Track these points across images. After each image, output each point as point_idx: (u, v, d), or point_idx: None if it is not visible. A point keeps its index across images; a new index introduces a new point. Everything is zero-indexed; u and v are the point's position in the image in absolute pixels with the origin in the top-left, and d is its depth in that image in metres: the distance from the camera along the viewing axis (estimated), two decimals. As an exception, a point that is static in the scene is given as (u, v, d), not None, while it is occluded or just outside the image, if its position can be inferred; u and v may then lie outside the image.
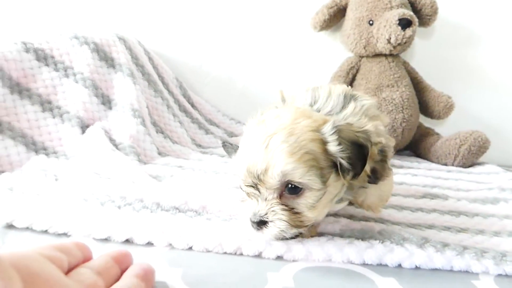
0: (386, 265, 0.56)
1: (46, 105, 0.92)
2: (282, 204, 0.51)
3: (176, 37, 1.40)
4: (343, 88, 0.63)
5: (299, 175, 0.49)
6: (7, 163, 0.82)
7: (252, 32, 1.42)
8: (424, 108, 1.35)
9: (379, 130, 0.59)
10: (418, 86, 1.35)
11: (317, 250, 0.56)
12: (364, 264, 0.56)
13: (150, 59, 1.21)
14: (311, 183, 0.50)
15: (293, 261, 0.55)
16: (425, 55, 1.47)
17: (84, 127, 0.93)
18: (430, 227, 0.69)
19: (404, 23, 1.18)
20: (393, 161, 1.22)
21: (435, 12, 1.30)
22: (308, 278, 0.52)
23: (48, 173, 0.75)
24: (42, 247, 0.42)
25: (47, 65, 0.95)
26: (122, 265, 0.46)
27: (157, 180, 0.78)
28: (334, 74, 1.34)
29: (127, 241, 0.56)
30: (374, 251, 0.57)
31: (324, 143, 0.51)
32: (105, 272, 0.44)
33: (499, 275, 0.57)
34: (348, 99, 0.60)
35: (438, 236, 0.64)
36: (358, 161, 0.52)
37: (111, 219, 0.58)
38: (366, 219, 0.69)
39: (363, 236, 0.60)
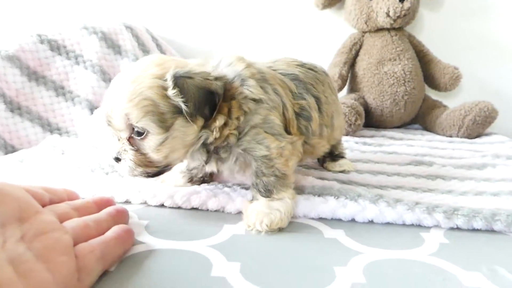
0: (340, 220, 0.61)
1: (60, 90, 1.03)
2: (131, 145, 0.56)
3: (185, 23, 1.47)
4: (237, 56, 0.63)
5: (136, 120, 0.53)
6: (26, 142, 0.94)
7: (259, 13, 1.47)
8: (431, 80, 1.34)
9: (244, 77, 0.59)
10: (424, 59, 1.34)
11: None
12: (320, 218, 0.61)
13: (158, 45, 1.29)
14: (148, 127, 0.54)
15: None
16: (435, 27, 1.45)
17: (93, 109, 1.03)
18: (397, 187, 0.72)
19: (402, -5, 1.18)
20: (396, 133, 1.24)
21: (438, -18, 1.28)
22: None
23: (56, 148, 0.85)
24: (32, 185, 0.48)
25: (60, 54, 1.06)
26: (101, 208, 0.52)
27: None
28: (338, 51, 1.36)
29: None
30: (327, 206, 0.61)
31: (165, 89, 0.54)
32: (82, 208, 0.50)
33: (451, 228, 0.60)
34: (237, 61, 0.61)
35: (398, 195, 0.67)
36: (202, 105, 0.55)
37: (98, 183, 0.67)
38: (333, 179, 0.73)
39: (322, 192, 0.65)
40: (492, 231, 0.59)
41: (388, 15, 1.22)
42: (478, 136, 1.23)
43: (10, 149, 0.91)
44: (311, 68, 0.72)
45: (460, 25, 1.44)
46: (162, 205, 0.63)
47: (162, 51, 1.29)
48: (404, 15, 1.21)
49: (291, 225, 0.58)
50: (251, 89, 0.59)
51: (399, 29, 1.31)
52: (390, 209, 0.60)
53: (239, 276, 0.44)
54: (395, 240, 0.56)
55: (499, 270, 0.48)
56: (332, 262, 0.48)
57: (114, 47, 1.13)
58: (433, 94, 1.42)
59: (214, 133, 0.58)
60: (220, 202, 0.62)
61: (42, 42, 1.04)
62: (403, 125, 1.37)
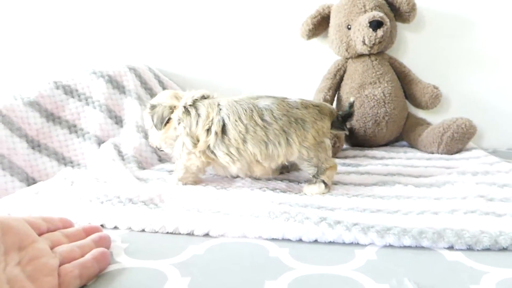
0: (289, 239, 0.72)
1: (72, 128, 1.20)
2: None
3: (185, 56, 1.62)
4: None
5: None
6: (44, 175, 1.11)
7: (253, 44, 1.60)
8: (412, 99, 1.43)
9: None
10: (405, 80, 1.43)
11: (233, 228, 0.73)
12: (272, 239, 0.73)
13: (160, 82, 1.45)
14: None
15: (219, 236, 0.73)
16: (418, 48, 1.53)
17: (100, 143, 1.19)
18: (348, 209, 0.82)
19: (375, 25, 1.27)
20: (379, 152, 1.32)
21: (412, 8, 1.37)
22: (219, 248, 0.69)
23: (67, 180, 1.01)
24: (31, 216, 0.64)
25: (72, 97, 1.23)
26: (89, 234, 0.67)
27: (145, 182, 1.01)
28: (323, 77, 1.46)
29: (101, 225, 0.78)
30: (278, 227, 0.72)
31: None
32: (72, 235, 0.65)
33: (384, 246, 0.69)
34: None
35: (345, 216, 0.77)
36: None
37: (93, 211, 0.81)
38: (295, 203, 0.85)
39: (277, 216, 0.76)
40: (421, 247, 0.69)
41: (364, 43, 1.32)
42: (458, 151, 1.30)
43: (31, 181, 1.08)
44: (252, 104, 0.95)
45: (442, 44, 1.51)
46: (143, 230, 0.77)
47: (164, 87, 1.44)
48: (379, 42, 1.31)
49: (244, 245, 0.70)
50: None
51: (379, 53, 1.40)
52: (331, 229, 0.71)
53: (184, 289, 0.56)
54: (329, 257, 0.66)
55: (404, 281, 0.58)
56: (265, 277, 0.59)
57: (119, 87, 1.29)
58: (420, 112, 1.50)
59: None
60: (190, 226, 0.75)
61: (57, 87, 1.22)
62: (389, 143, 1.45)
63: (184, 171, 0.99)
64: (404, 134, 1.43)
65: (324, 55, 1.54)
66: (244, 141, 0.92)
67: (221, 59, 1.62)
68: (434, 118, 1.49)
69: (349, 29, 1.37)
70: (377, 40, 1.29)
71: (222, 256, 0.67)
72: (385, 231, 0.69)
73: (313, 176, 0.96)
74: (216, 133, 0.93)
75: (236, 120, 0.92)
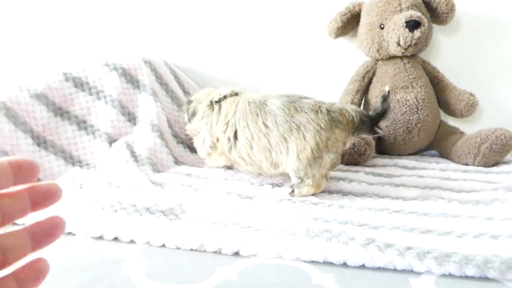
0: (332, 263, 0.63)
1: (82, 124, 1.10)
2: None
3: (202, 52, 1.53)
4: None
5: None
6: (50, 174, 1.01)
7: (275, 42, 1.51)
8: (446, 107, 1.33)
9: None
10: (439, 85, 1.33)
11: (267, 247, 0.64)
12: (312, 261, 0.63)
13: (176, 77, 1.35)
14: None
15: (250, 255, 0.64)
16: (452, 52, 1.43)
17: (112, 142, 1.09)
18: (394, 228, 0.73)
19: (412, 25, 1.18)
20: (409, 161, 1.23)
21: (451, 9, 1.28)
22: (252, 271, 0.60)
23: (75, 182, 0.91)
24: None
25: (83, 90, 1.14)
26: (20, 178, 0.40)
27: (161, 187, 0.91)
28: (351, 78, 1.37)
29: (116, 239, 0.69)
30: (319, 249, 0.63)
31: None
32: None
33: (443, 275, 0.60)
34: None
35: (393, 237, 0.68)
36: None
37: (107, 221, 0.72)
38: (332, 218, 0.75)
39: (316, 235, 0.66)
40: (486, 278, 0.59)
41: (399, 44, 1.22)
42: (495, 164, 1.20)
43: (35, 181, 0.98)
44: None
45: (477, 49, 1.42)
46: (164, 246, 0.67)
47: (180, 83, 1.35)
48: (415, 44, 1.21)
49: (281, 269, 0.61)
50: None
51: (413, 56, 1.31)
52: (381, 254, 0.61)
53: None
54: (381, 286, 0.57)
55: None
56: (314, 311, 0.50)
57: (133, 82, 1.20)
58: (451, 120, 1.40)
59: None
60: (217, 243, 0.65)
61: (67, 79, 1.13)
62: (418, 152, 1.36)
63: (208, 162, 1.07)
64: (435, 143, 1.34)
65: (351, 55, 1.44)
66: (251, 147, 0.91)
67: (241, 56, 1.53)
68: (465, 126, 1.39)
69: (382, 28, 1.27)
70: (413, 42, 1.20)
71: (258, 282, 0.57)
72: (444, 258, 0.60)
73: (293, 185, 0.90)
74: (229, 138, 0.94)
75: (244, 127, 0.92)
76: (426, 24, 1.20)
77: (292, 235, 0.66)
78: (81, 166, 1.05)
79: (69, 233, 0.71)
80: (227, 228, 0.70)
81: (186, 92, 1.35)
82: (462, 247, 0.65)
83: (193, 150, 1.21)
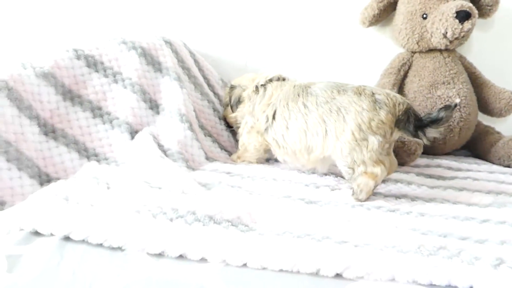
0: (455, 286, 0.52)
1: (97, 111, 0.94)
2: None
3: (219, 36, 1.39)
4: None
5: None
6: (62, 170, 0.85)
7: (299, 27, 1.39)
8: (484, 105, 1.26)
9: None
10: (476, 82, 1.26)
11: (377, 267, 0.52)
12: (431, 285, 0.52)
13: (196, 61, 1.20)
14: None
15: (356, 278, 0.52)
16: (484, 48, 1.37)
17: (133, 133, 0.93)
18: (502, 243, 0.63)
19: (462, 16, 1.10)
20: (450, 162, 1.16)
21: (496, 2, 1.21)
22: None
23: (100, 181, 0.75)
24: None
25: (97, 71, 0.97)
26: None
27: (206, 188, 0.77)
28: (385, 71, 1.27)
29: (181, 256, 0.55)
30: (440, 269, 0.52)
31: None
32: None
33: None
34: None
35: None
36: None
37: (164, 233, 0.57)
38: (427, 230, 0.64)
39: (432, 252, 0.56)
40: None
41: (445, 36, 1.14)
42: (536, 167, 1.15)
43: (44, 177, 0.82)
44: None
45: (509, 46, 1.36)
46: (245, 265, 0.54)
47: (199, 68, 1.20)
48: (463, 37, 1.13)
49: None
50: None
51: (452, 50, 1.23)
52: (515, 277, 0.51)
53: None
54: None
55: None
56: None
57: (154, 64, 1.03)
58: (483, 119, 1.34)
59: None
60: (315, 263, 0.53)
61: (78, 58, 0.95)
62: (452, 152, 1.28)
63: (243, 150, 1.01)
64: (470, 142, 1.27)
65: (380, 45, 1.35)
66: (287, 127, 0.88)
67: (260, 42, 1.39)
68: (496, 126, 1.33)
69: (425, 18, 1.18)
70: (462, 34, 1.12)
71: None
72: None
73: (348, 180, 0.83)
74: (267, 116, 0.92)
75: (284, 106, 0.89)
76: (477, 16, 1.12)
77: (404, 253, 0.55)
78: (98, 161, 0.88)
79: (117, 248, 0.56)
80: (318, 243, 0.57)
81: (206, 79, 1.20)
82: None
83: (221, 146, 1.07)
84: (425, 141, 0.81)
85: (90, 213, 0.62)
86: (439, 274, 0.52)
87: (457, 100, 0.81)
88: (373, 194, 0.83)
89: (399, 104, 0.79)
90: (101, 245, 0.56)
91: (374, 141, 0.78)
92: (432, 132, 0.80)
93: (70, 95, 0.92)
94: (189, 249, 0.55)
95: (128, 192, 0.70)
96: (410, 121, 0.79)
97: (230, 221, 0.61)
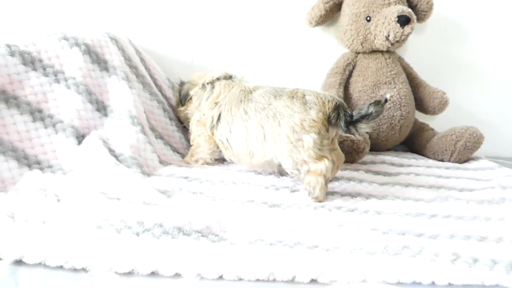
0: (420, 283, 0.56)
1: (37, 114, 0.85)
2: None
3: (164, 32, 1.34)
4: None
5: None
6: (-1, 181, 0.76)
7: (245, 25, 1.38)
8: (419, 104, 1.35)
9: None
10: (413, 82, 1.35)
11: (348, 270, 0.54)
12: (398, 283, 0.55)
13: (142, 59, 1.14)
14: None
15: (330, 282, 0.53)
16: (419, 50, 1.47)
17: (79, 137, 0.87)
18: (451, 237, 0.68)
19: (403, 20, 1.16)
20: (392, 158, 1.23)
21: (430, 8, 1.29)
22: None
23: (48, 193, 0.69)
24: None
25: (34, 69, 0.88)
26: None
27: (166, 196, 0.74)
28: (331, 71, 1.31)
29: (152, 273, 0.52)
30: (406, 268, 0.55)
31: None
32: None
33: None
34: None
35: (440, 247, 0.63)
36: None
37: (131, 249, 0.54)
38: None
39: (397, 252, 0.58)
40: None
41: (387, 39, 1.20)
42: (466, 161, 1.26)
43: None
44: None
45: (440, 49, 1.47)
46: (221, 277, 0.53)
47: (146, 66, 1.14)
48: (403, 40, 1.20)
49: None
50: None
51: (392, 52, 1.30)
52: (471, 270, 0.56)
53: None
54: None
55: None
56: None
57: (99, 62, 0.96)
58: (418, 117, 1.44)
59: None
60: (290, 271, 0.53)
61: (12, 54, 0.85)
62: (393, 148, 1.37)
63: (195, 145, 1.01)
64: (409, 139, 1.36)
65: (326, 45, 1.38)
66: (230, 131, 0.92)
67: (206, 38, 1.36)
68: (429, 123, 1.43)
69: (368, 21, 1.23)
70: (403, 38, 1.18)
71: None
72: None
73: (298, 181, 0.87)
74: (213, 117, 0.96)
75: (228, 111, 0.93)
76: (415, 21, 1.19)
77: (371, 254, 0.57)
78: (41, 169, 0.81)
79: (81, 270, 0.51)
80: (290, 250, 0.58)
81: (153, 78, 1.15)
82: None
83: (173, 148, 1.03)
84: (357, 136, 0.85)
85: (43, 231, 0.57)
86: (405, 272, 0.55)
87: (387, 95, 0.83)
88: (331, 194, 0.86)
89: (328, 102, 0.83)
90: (61, 267, 0.51)
91: (308, 139, 0.81)
92: (364, 128, 0.82)
93: (4, 96, 0.83)
94: (161, 264, 0.52)
95: (83, 205, 0.65)
96: (341, 117, 0.82)
97: (200, 231, 0.60)
